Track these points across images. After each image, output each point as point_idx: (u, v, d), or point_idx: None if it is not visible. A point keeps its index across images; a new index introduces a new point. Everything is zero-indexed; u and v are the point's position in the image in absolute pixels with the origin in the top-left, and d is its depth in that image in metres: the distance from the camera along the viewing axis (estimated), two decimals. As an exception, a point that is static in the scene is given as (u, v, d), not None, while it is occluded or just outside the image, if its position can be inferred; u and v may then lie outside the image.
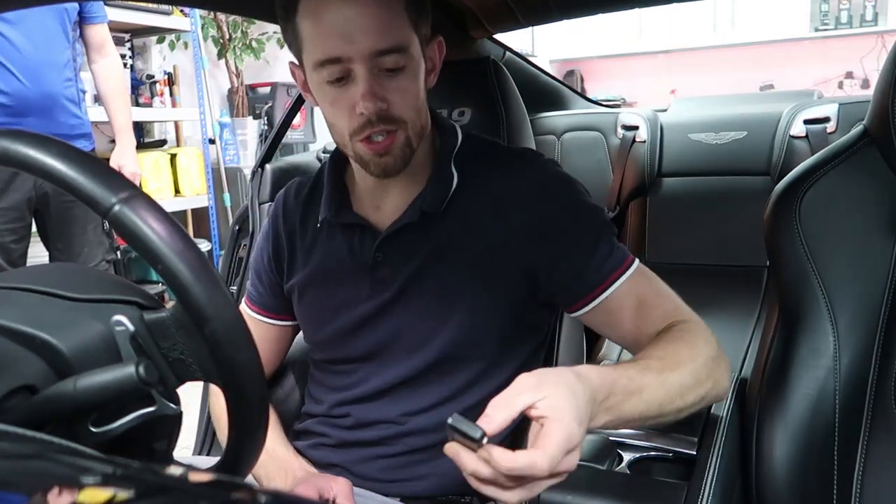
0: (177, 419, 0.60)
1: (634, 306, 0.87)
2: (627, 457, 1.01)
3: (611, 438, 1.02)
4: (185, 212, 3.86)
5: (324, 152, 1.73)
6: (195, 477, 0.50)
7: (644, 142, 1.90)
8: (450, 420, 0.59)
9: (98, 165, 0.53)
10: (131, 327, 0.55)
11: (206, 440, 1.36)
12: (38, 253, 2.35)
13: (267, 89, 4.16)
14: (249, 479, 0.89)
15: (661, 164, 1.90)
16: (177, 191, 3.63)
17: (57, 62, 2.14)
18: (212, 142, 3.78)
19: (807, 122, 1.70)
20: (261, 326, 1.05)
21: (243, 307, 1.08)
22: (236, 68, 4.08)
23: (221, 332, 0.52)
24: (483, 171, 0.93)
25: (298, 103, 1.51)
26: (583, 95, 2.31)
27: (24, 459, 0.44)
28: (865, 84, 4.89)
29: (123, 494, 0.38)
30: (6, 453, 0.45)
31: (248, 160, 3.91)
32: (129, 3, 3.20)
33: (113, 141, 2.38)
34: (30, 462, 0.44)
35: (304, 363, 1.10)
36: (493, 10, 1.35)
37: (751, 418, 0.93)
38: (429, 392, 0.93)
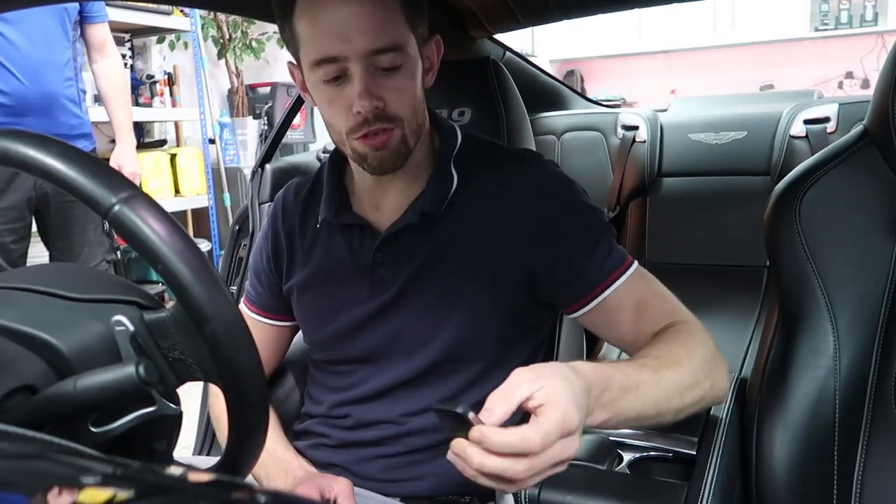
0: (177, 419, 0.60)
1: (633, 307, 0.87)
2: (627, 457, 1.01)
3: (611, 438, 1.02)
4: (185, 212, 3.86)
5: (324, 152, 1.72)
6: (195, 477, 0.50)
7: (644, 142, 1.89)
8: (434, 405, 0.61)
9: (98, 165, 0.53)
10: (131, 327, 0.55)
11: (206, 440, 1.35)
12: (38, 253, 2.35)
13: (267, 89, 4.16)
14: (249, 479, 0.89)
15: (661, 164, 1.89)
16: (177, 191, 3.63)
17: (57, 62, 2.14)
18: (212, 142, 3.78)
19: (807, 122, 1.70)
20: (259, 327, 1.05)
21: (242, 308, 1.08)
22: (236, 68, 4.08)
23: (221, 332, 0.53)
24: (483, 171, 0.93)
25: (298, 103, 1.51)
26: (583, 95, 2.31)
27: (24, 459, 0.44)
28: (865, 84, 4.89)
29: (123, 494, 0.38)
30: (6, 453, 0.45)
31: (248, 160, 3.91)
32: (129, 3, 3.19)
33: (113, 141, 2.38)
34: (30, 462, 0.44)
35: (304, 363, 1.10)
36: (493, 10, 1.35)
37: (751, 418, 0.93)
38: (429, 392, 0.93)
